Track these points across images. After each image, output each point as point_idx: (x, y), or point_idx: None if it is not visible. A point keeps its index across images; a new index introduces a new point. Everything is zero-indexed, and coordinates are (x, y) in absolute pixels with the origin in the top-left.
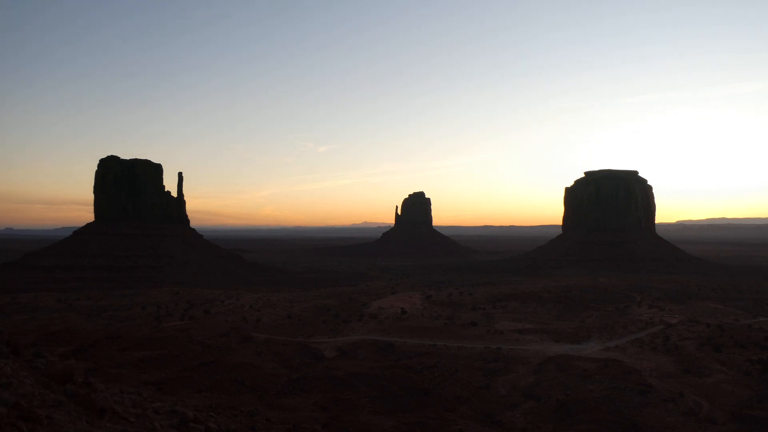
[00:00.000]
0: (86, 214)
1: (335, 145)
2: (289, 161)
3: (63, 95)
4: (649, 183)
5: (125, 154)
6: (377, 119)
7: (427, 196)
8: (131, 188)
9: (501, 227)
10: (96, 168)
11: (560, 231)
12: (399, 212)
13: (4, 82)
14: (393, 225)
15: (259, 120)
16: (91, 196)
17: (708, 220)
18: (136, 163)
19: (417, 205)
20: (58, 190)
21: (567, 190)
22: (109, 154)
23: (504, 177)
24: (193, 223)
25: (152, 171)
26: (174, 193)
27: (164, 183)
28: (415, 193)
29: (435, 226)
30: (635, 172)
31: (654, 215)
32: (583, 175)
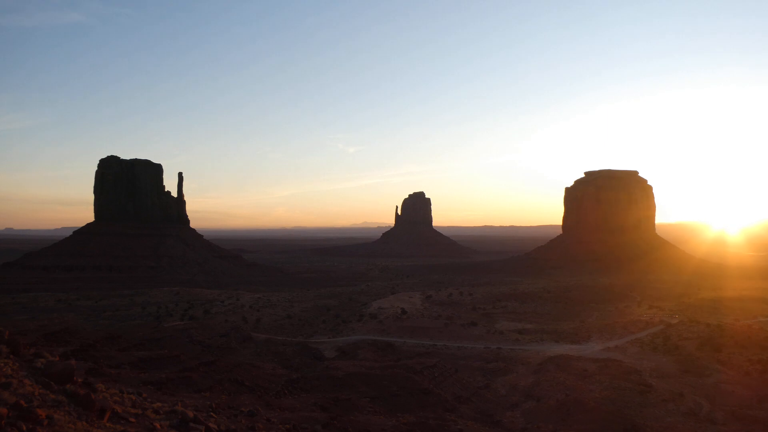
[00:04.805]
0: (86, 214)
1: (365, 146)
2: (314, 161)
3: (63, 95)
4: (649, 183)
5: (125, 154)
6: (394, 119)
7: (427, 196)
8: (131, 188)
9: (501, 227)
10: (96, 168)
11: (560, 231)
12: (399, 212)
13: (4, 81)
14: (393, 225)
15: (282, 119)
16: (91, 196)
17: (707, 220)
18: (136, 163)
19: (417, 205)
20: (58, 190)
21: (567, 190)
22: (109, 154)
23: (504, 177)
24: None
25: (152, 171)
26: (174, 193)
27: (164, 183)
28: (415, 193)
29: (435, 226)
30: (635, 172)
31: (654, 215)
32: (583, 175)
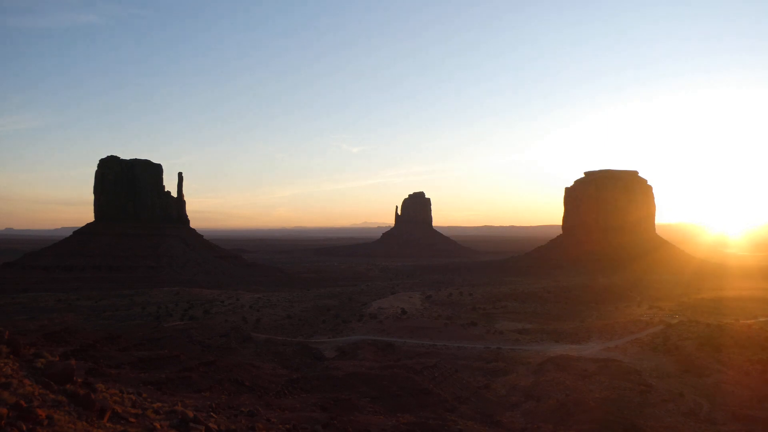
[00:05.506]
0: (86, 214)
1: (368, 146)
2: (316, 162)
3: (63, 95)
4: (649, 183)
5: (125, 155)
6: (397, 120)
7: (427, 196)
8: (131, 188)
9: (501, 227)
10: (96, 168)
11: (560, 231)
12: (399, 212)
13: (4, 82)
14: (393, 225)
15: (287, 121)
16: (91, 196)
17: (707, 221)
18: (135, 163)
19: (417, 205)
20: (58, 190)
21: (567, 190)
22: (109, 154)
23: (504, 177)
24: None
25: (152, 171)
26: (174, 194)
27: (164, 183)
28: (415, 193)
29: (435, 226)
30: (635, 172)
31: (654, 215)
32: (583, 175)
